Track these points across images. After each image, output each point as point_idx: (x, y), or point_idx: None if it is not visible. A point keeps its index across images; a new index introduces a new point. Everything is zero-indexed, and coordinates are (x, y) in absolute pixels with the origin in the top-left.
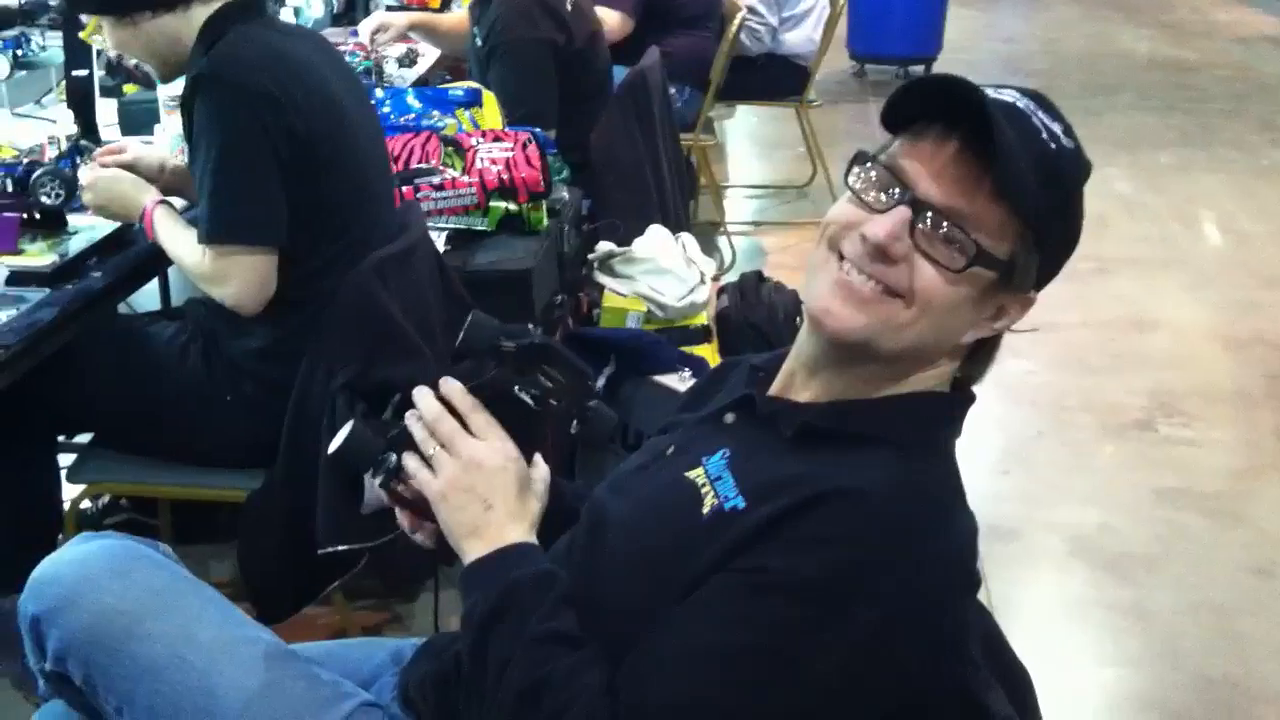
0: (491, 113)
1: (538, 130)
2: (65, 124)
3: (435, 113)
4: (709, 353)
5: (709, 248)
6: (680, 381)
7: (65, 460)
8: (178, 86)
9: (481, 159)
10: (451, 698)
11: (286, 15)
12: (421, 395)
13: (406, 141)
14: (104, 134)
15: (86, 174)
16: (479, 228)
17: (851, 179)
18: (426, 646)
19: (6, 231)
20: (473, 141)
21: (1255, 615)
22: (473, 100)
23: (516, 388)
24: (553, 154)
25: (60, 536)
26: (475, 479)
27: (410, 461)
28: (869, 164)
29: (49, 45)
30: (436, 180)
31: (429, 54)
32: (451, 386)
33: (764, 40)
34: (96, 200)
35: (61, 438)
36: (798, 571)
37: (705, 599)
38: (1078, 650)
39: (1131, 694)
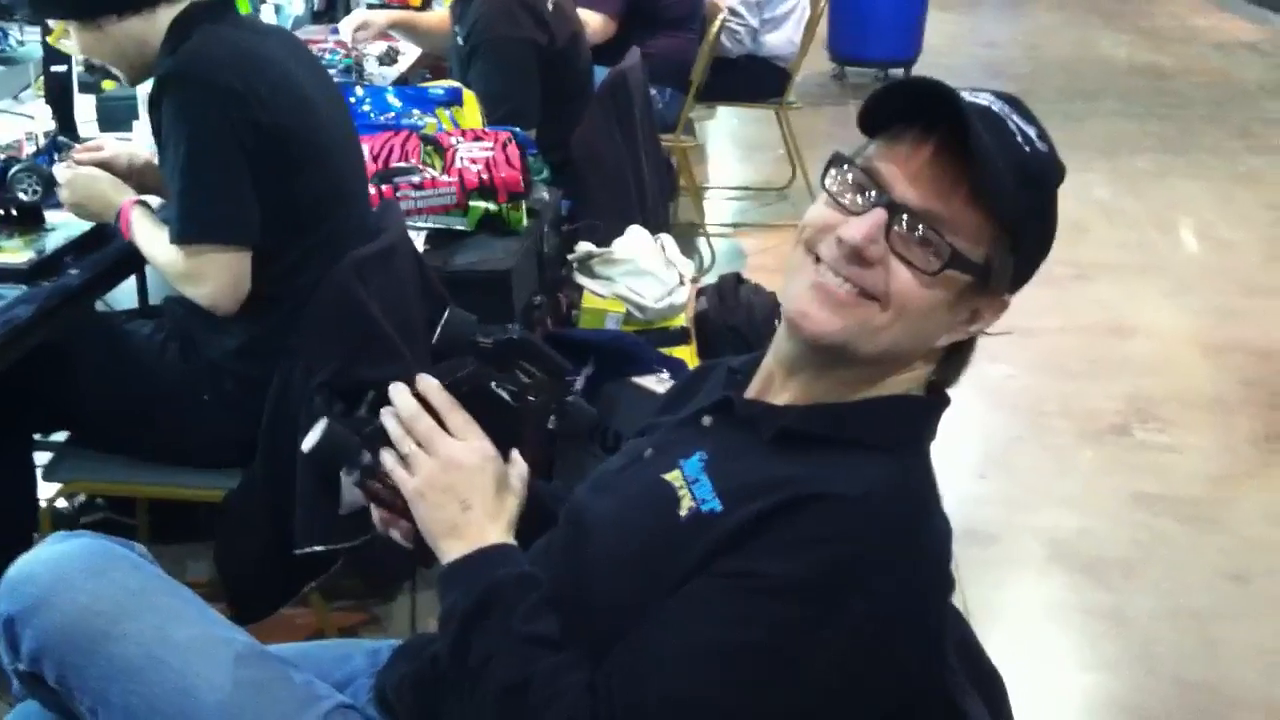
0: (472, 112)
1: (518, 130)
2: (43, 120)
3: (415, 111)
4: (688, 354)
5: (689, 249)
6: (659, 383)
7: (41, 459)
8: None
9: (461, 158)
10: (428, 699)
11: (267, 13)
12: (398, 392)
13: (386, 140)
14: (82, 130)
15: (63, 172)
16: (458, 227)
17: (828, 181)
18: (402, 648)
19: None
20: (452, 141)
21: (1232, 620)
22: (453, 99)
23: (493, 383)
24: (533, 154)
25: (36, 535)
26: (453, 478)
27: (387, 459)
28: (845, 166)
29: (27, 40)
30: (416, 179)
31: (409, 52)
32: (428, 384)
33: (744, 42)
34: (73, 198)
35: (38, 436)
36: (786, 574)
37: (690, 601)
38: (1055, 655)
39: (1109, 699)
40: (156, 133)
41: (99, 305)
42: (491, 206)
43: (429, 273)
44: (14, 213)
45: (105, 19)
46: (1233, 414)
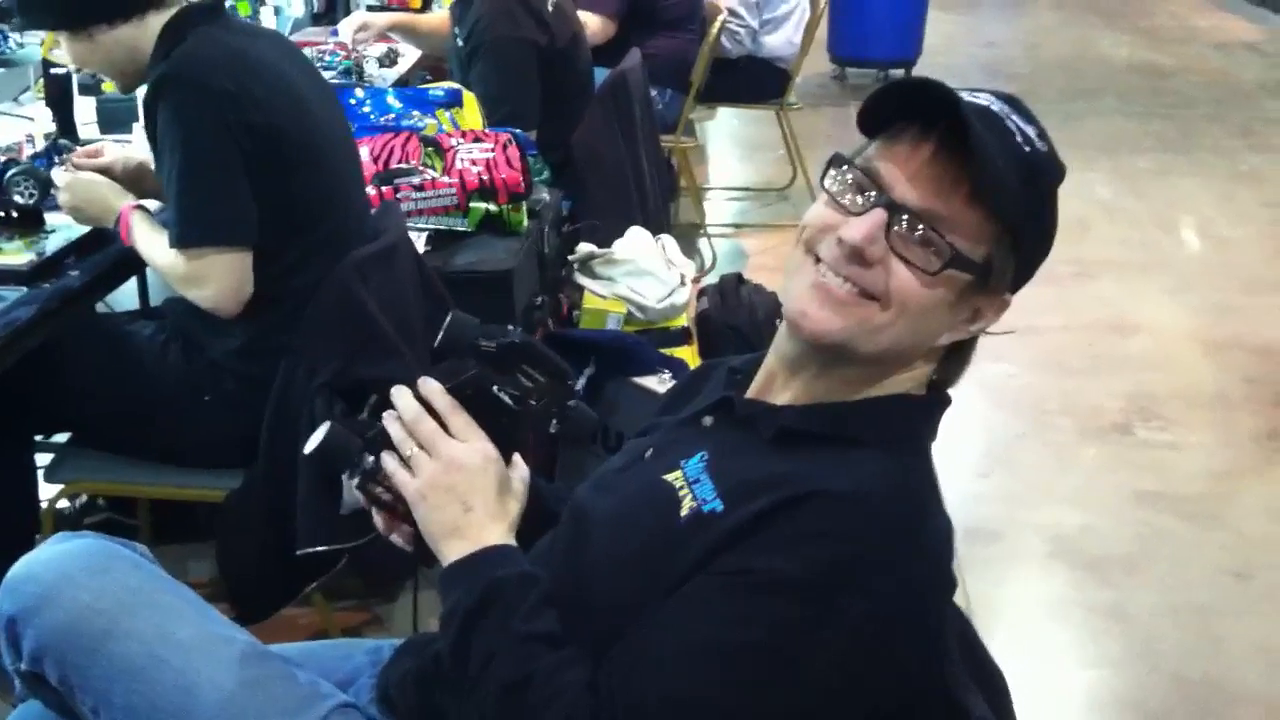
0: (472, 113)
1: (518, 131)
2: (43, 122)
3: (415, 113)
4: (689, 355)
5: (689, 249)
6: (660, 383)
7: (43, 460)
8: None
9: (462, 159)
10: (431, 697)
11: (267, 15)
12: (400, 395)
13: (386, 141)
14: (83, 132)
15: (62, 175)
16: (459, 228)
17: (828, 182)
18: (405, 646)
19: None
20: (453, 142)
21: (1233, 617)
22: (453, 101)
23: (495, 387)
24: (533, 155)
25: (38, 536)
26: (455, 480)
27: (389, 462)
28: (845, 167)
29: (27, 43)
30: (416, 180)
31: (409, 54)
32: (430, 386)
33: (744, 43)
34: (71, 202)
35: (39, 437)
36: (785, 572)
37: (690, 600)
38: (1058, 651)
39: (1110, 695)
40: (152, 138)
41: (100, 307)
42: (492, 207)
43: (430, 274)
44: (14, 215)
45: (95, 28)
46: (1234, 411)
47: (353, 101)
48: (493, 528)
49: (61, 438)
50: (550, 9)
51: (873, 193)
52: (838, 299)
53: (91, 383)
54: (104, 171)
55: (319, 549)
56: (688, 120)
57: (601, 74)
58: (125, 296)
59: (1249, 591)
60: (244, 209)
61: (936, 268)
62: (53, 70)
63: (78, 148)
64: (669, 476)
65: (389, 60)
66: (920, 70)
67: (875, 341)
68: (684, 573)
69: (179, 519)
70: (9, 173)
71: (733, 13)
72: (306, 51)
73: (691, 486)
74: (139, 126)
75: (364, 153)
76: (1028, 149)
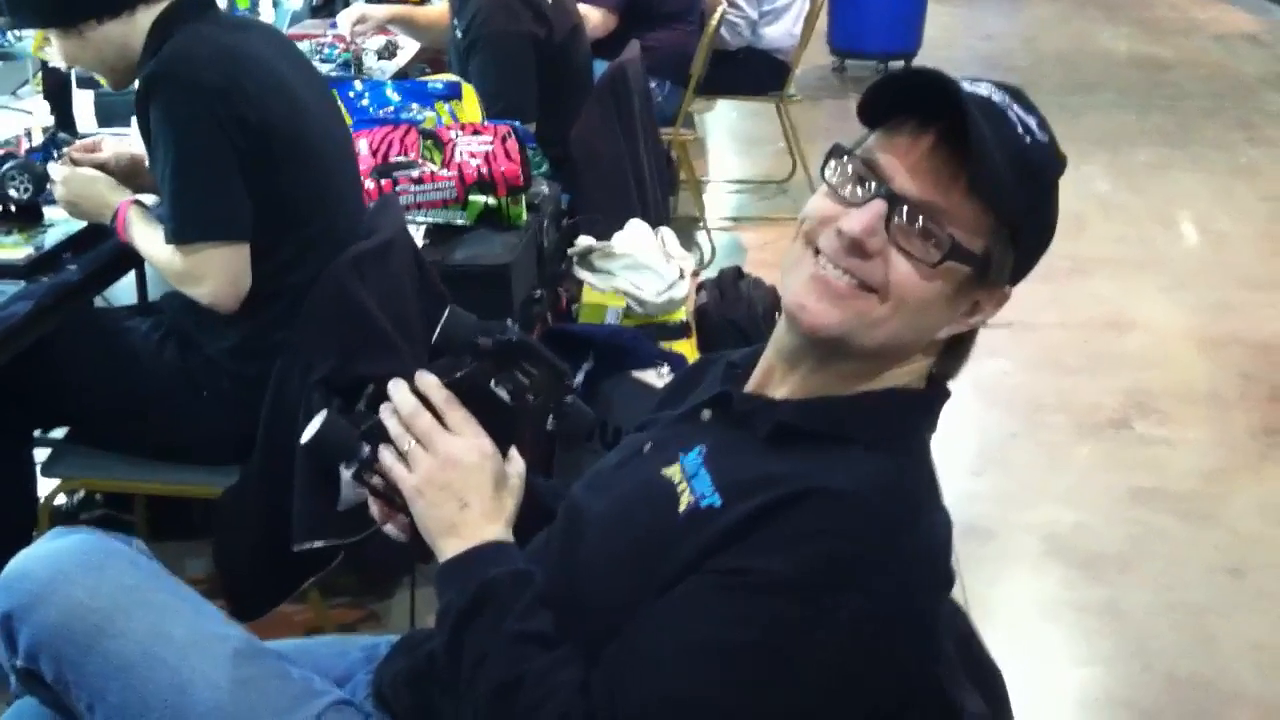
0: (471, 106)
1: (517, 124)
2: (42, 115)
3: (414, 105)
4: (688, 349)
5: (688, 243)
6: (659, 378)
7: (40, 455)
8: None
9: (460, 152)
10: (426, 695)
11: (266, 7)
12: (397, 389)
13: (385, 134)
14: (81, 126)
15: (59, 170)
16: (458, 222)
17: (827, 173)
18: (401, 643)
19: None
20: (451, 135)
21: (1228, 615)
22: (452, 93)
23: (493, 383)
24: (532, 148)
25: (35, 532)
26: (451, 476)
27: (386, 456)
28: (845, 158)
29: (25, 36)
30: (415, 174)
31: (408, 46)
32: (427, 381)
33: (743, 34)
34: (68, 197)
35: (37, 432)
36: (781, 570)
37: (686, 598)
38: (1051, 650)
39: (1104, 693)
40: (145, 134)
41: (98, 302)
42: (491, 201)
43: (427, 268)
44: (12, 209)
45: (85, 25)
46: (1230, 408)
47: (351, 94)
48: (489, 525)
49: (59, 433)
50: (549, 2)
51: (873, 184)
52: (837, 291)
53: (88, 378)
54: (101, 167)
55: (315, 545)
56: (687, 113)
57: (600, 67)
58: (123, 291)
59: (1243, 589)
60: (239, 204)
61: (936, 260)
62: (51, 64)
63: (76, 141)
64: (667, 471)
65: (388, 53)
66: (919, 62)
67: (874, 335)
68: (680, 569)
69: (175, 515)
70: (4, 167)
71: (732, 4)
72: (305, 44)
73: (690, 481)
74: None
75: (362, 145)
76: (1028, 140)
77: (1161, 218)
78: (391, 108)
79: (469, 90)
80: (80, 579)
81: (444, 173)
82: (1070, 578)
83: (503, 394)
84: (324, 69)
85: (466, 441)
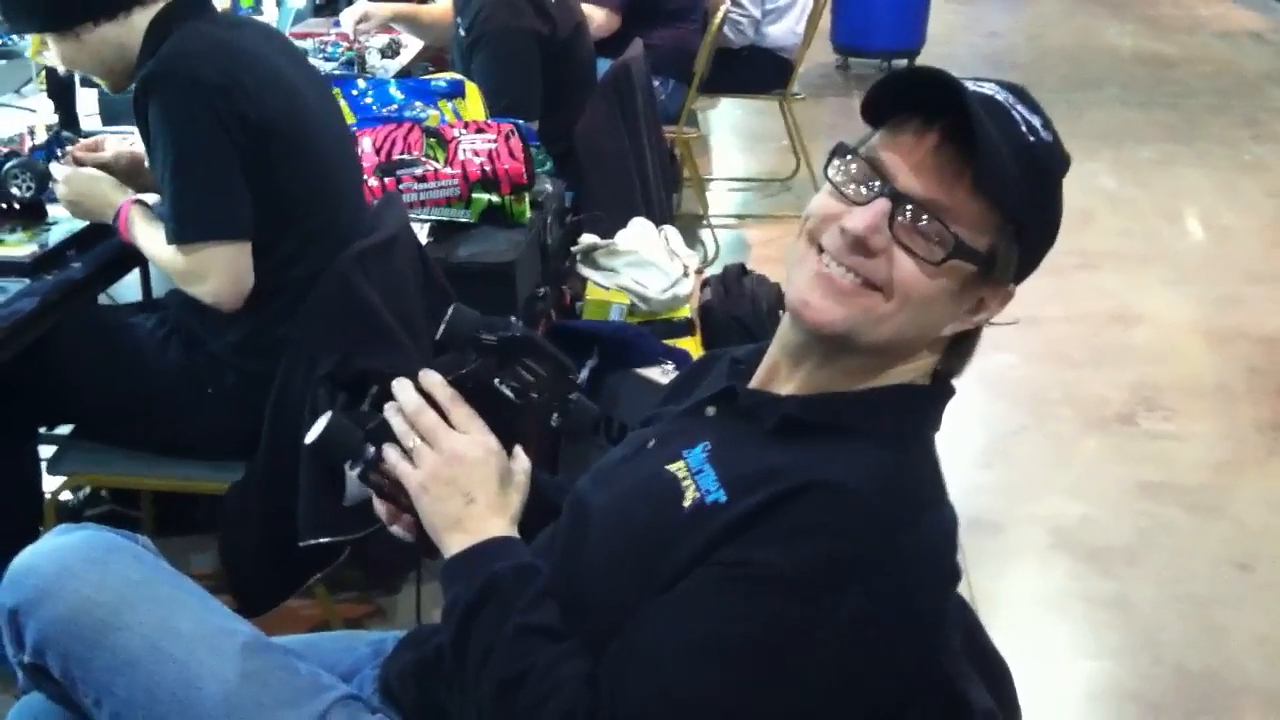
0: (474, 104)
1: (521, 122)
2: (45, 114)
3: (418, 104)
4: (692, 346)
5: (692, 240)
6: (663, 374)
7: (46, 451)
8: None
9: (464, 150)
10: (433, 689)
11: (269, 6)
12: (402, 387)
13: (389, 133)
14: (85, 124)
15: (61, 169)
16: (461, 220)
17: (831, 171)
18: (408, 638)
19: None
20: (455, 133)
21: (1235, 608)
22: (455, 91)
23: (497, 380)
24: (535, 146)
25: (41, 528)
26: (456, 472)
27: (390, 453)
28: (849, 156)
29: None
30: (419, 172)
31: (411, 45)
32: (432, 379)
33: (746, 32)
34: (70, 196)
35: (42, 429)
36: (783, 565)
37: (689, 592)
38: (1059, 643)
39: (1112, 686)
40: (144, 135)
41: (102, 299)
42: (494, 198)
43: (431, 265)
44: (16, 207)
45: (81, 28)
46: (1237, 402)
47: (355, 93)
48: (494, 520)
49: (64, 430)
50: None
51: (876, 182)
52: (840, 289)
53: (93, 375)
54: (104, 166)
55: (321, 541)
56: (690, 111)
57: (604, 65)
58: (127, 288)
59: (1250, 582)
60: (240, 202)
61: (940, 258)
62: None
63: (79, 140)
64: (672, 467)
65: (391, 51)
66: (923, 60)
67: (878, 332)
68: (684, 564)
69: (181, 511)
70: (6, 166)
71: (735, 2)
72: (308, 42)
73: (694, 477)
74: None
75: (366, 144)
76: (1032, 139)
77: (1167, 213)
78: (395, 106)
79: (472, 88)
80: (86, 574)
81: (447, 170)
82: (1077, 571)
83: (507, 391)
84: (327, 67)
85: (471, 438)
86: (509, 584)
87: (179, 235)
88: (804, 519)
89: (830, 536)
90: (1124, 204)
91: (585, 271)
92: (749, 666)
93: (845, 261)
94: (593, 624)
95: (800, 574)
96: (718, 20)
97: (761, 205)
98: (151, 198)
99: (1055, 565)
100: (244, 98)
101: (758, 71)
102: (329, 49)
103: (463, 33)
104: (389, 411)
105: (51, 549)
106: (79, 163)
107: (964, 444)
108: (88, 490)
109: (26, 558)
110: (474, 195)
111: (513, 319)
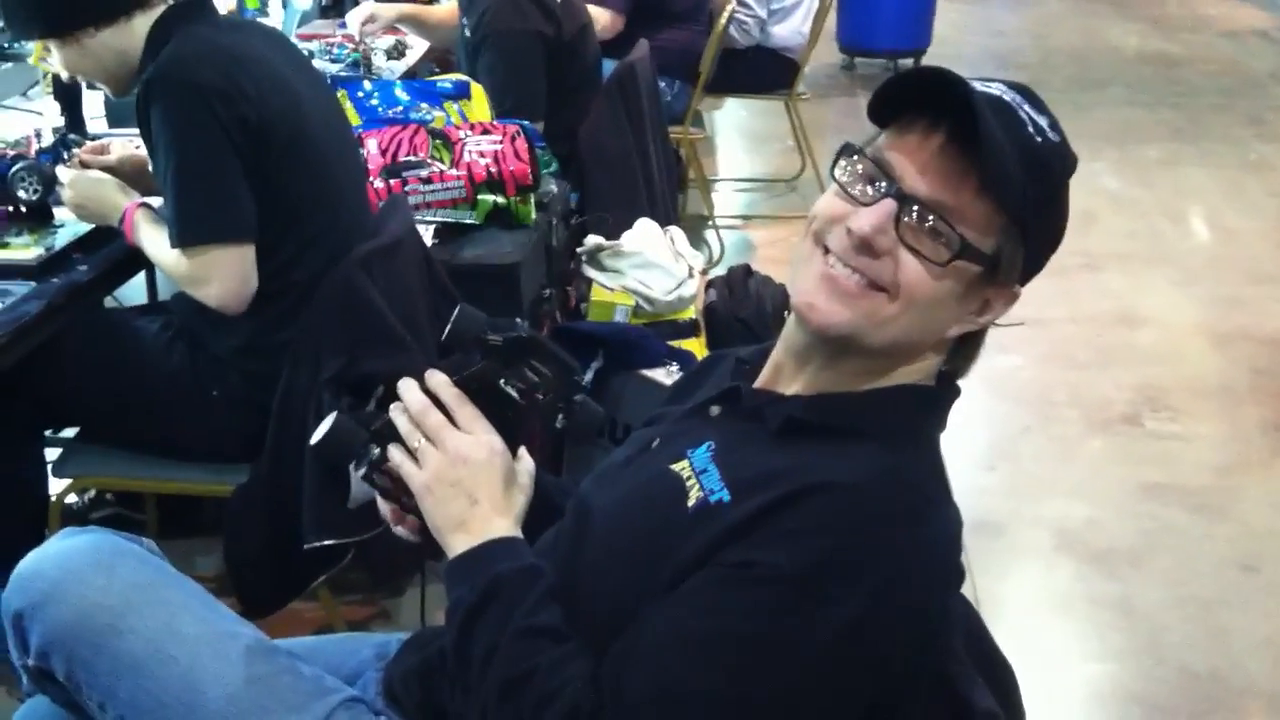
0: (480, 105)
1: (526, 123)
2: (52, 116)
3: (423, 105)
4: (697, 347)
5: (697, 241)
6: (668, 375)
7: (51, 454)
8: None
9: (469, 152)
10: (436, 692)
11: (275, 8)
12: (406, 388)
13: (394, 134)
14: (91, 126)
15: (67, 172)
16: (467, 221)
17: (837, 172)
18: (411, 641)
19: None
20: (461, 134)
21: (1240, 610)
22: (461, 93)
23: (502, 381)
24: (541, 147)
25: (46, 531)
26: (461, 472)
27: (395, 454)
28: (855, 157)
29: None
30: (424, 173)
31: (417, 46)
32: (437, 379)
33: (752, 33)
34: (75, 199)
35: (47, 432)
36: (785, 564)
37: (692, 591)
38: (1063, 644)
39: (1116, 688)
40: (147, 139)
41: (108, 301)
42: (500, 200)
43: (436, 266)
44: (23, 210)
45: (82, 33)
46: (1241, 403)
47: (360, 94)
48: (498, 521)
49: (69, 433)
50: (558, 0)
51: (883, 183)
52: (846, 290)
53: (99, 378)
54: (110, 169)
55: (326, 543)
56: (696, 111)
57: (609, 66)
58: (133, 291)
59: (1255, 584)
60: (242, 204)
61: (945, 259)
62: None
63: (85, 143)
64: (676, 466)
65: (397, 52)
66: (929, 60)
67: (883, 333)
68: (688, 564)
69: (186, 513)
70: (13, 169)
71: (741, 3)
72: (314, 44)
73: (699, 477)
74: None
75: (371, 145)
76: (1039, 140)
77: (1171, 213)
78: (400, 107)
79: (478, 89)
80: (91, 578)
81: (453, 172)
82: (1082, 572)
83: (513, 391)
84: (333, 69)
85: (476, 438)
86: (513, 585)
87: (182, 239)
88: (808, 520)
89: (834, 537)
90: (1128, 204)
91: (590, 273)
92: (750, 660)
93: (851, 262)
94: (596, 624)
95: (804, 574)
96: (723, 21)
97: (767, 206)
98: (157, 201)
99: (1059, 567)
100: (245, 101)
101: (763, 72)
102: (334, 50)
103: (468, 34)
104: (394, 411)
105: (56, 552)
106: (85, 166)
107: (968, 445)
108: (93, 493)
109: (32, 561)
110: (479, 197)
111: (517, 320)
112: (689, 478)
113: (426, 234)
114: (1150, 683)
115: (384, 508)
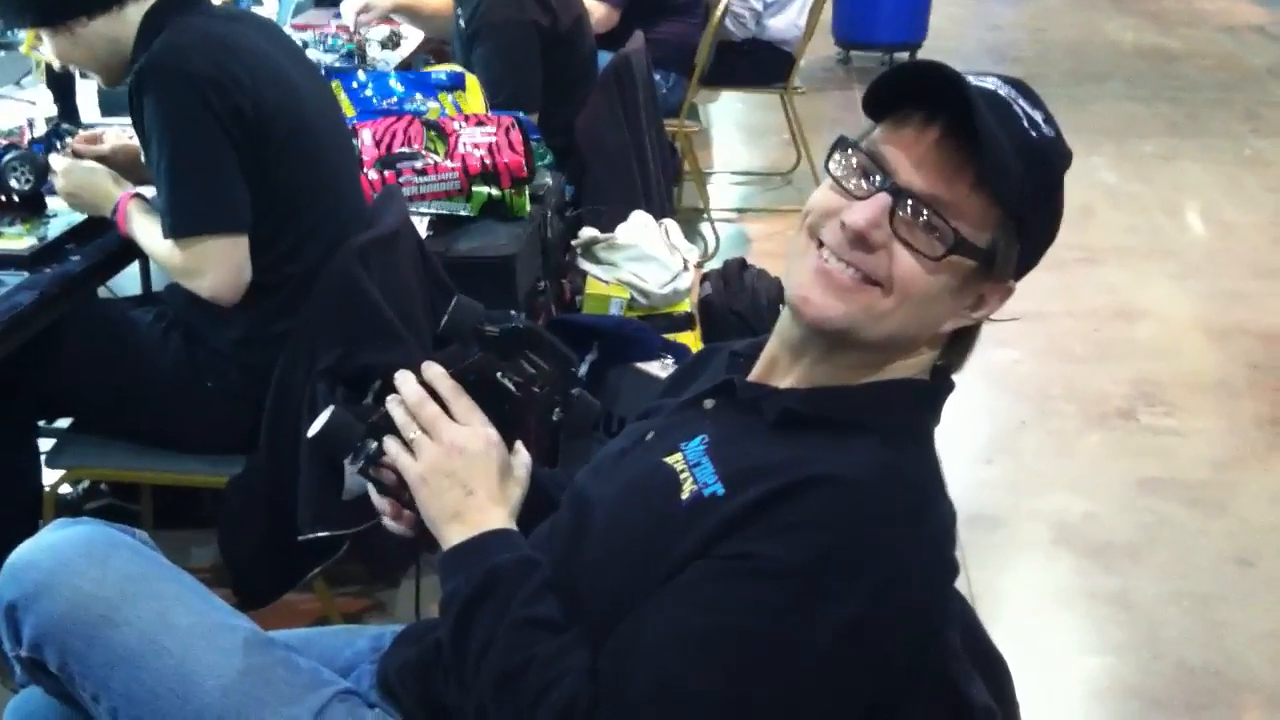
0: (474, 97)
1: (521, 115)
2: (45, 106)
3: (418, 96)
4: (692, 340)
5: (692, 234)
6: (663, 369)
7: (45, 445)
8: None
9: (464, 143)
10: (431, 684)
11: None
12: (403, 379)
13: (388, 125)
14: (85, 116)
15: (60, 161)
16: (462, 213)
17: (832, 165)
18: (406, 633)
19: None
20: (455, 126)
21: (1237, 604)
22: (455, 84)
23: (499, 373)
24: (536, 139)
25: (40, 522)
26: (456, 464)
27: (391, 445)
28: (850, 150)
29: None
30: (419, 164)
31: (412, 37)
32: (434, 371)
33: (748, 25)
34: (68, 189)
35: (42, 422)
36: (781, 557)
37: (690, 585)
38: (1061, 639)
39: (1114, 682)
40: (139, 129)
41: (102, 292)
42: (495, 192)
43: (432, 259)
44: (15, 199)
45: (75, 21)
46: (1239, 397)
47: (355, 85)
48: (494, 512)
49: (63, 423)
50: None
51: (877, 177)
52: (840, 284)
53: (93, 368)
54: (103, 159)
55: (321, 535)
56: (691, 104)
57: (605, 58)
58: (127, 281)
59: (1253, 578)
60: (236, 194)
61: (940, 253)
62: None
63: (79, 132)
64: (669, 459)
65: (392, 43)
66: (925, 53)
67: (878, 327)
68: (684, 557)
69: (181, 505)
70: (5, 158)
71: None
72: (309, 34)
73: (692, 470)
74: None
75: (366, 136)
76: (1034, 134)
77: (1169, 207)
78: (395, 98)
79: (472, 81)
80: (85, 569)
81: (448, 164)
82: (1080, 566)
83: (509, 384)
84: (327, 59)
85: (472, 430)
86: (509, 576)
87: (175, 230)
88: (804, 513)
89: (830, 531)
90: (1126, 198)
91: (585, 265)
92: (749, 658)
93: (845, 257)
94: (592, 617)
95: (801, 567)
96: (719, 13)
97: (762, 199)
98: (150, 191)
99: (1057, 561)
100: (238, 91)
101: (759, 65)
102: (329, 41)
103: (463, 25)
104: (390, 403)
105: (50, 544)
106: (78, 155)
107: (966, 439)
108: (87, 484)
109: (25, 552)
110: (474, 188)
111: (513, 312)
112: (682, 471)
113: (421, 226)
114: (1148, 677)
115: (379, 502)
